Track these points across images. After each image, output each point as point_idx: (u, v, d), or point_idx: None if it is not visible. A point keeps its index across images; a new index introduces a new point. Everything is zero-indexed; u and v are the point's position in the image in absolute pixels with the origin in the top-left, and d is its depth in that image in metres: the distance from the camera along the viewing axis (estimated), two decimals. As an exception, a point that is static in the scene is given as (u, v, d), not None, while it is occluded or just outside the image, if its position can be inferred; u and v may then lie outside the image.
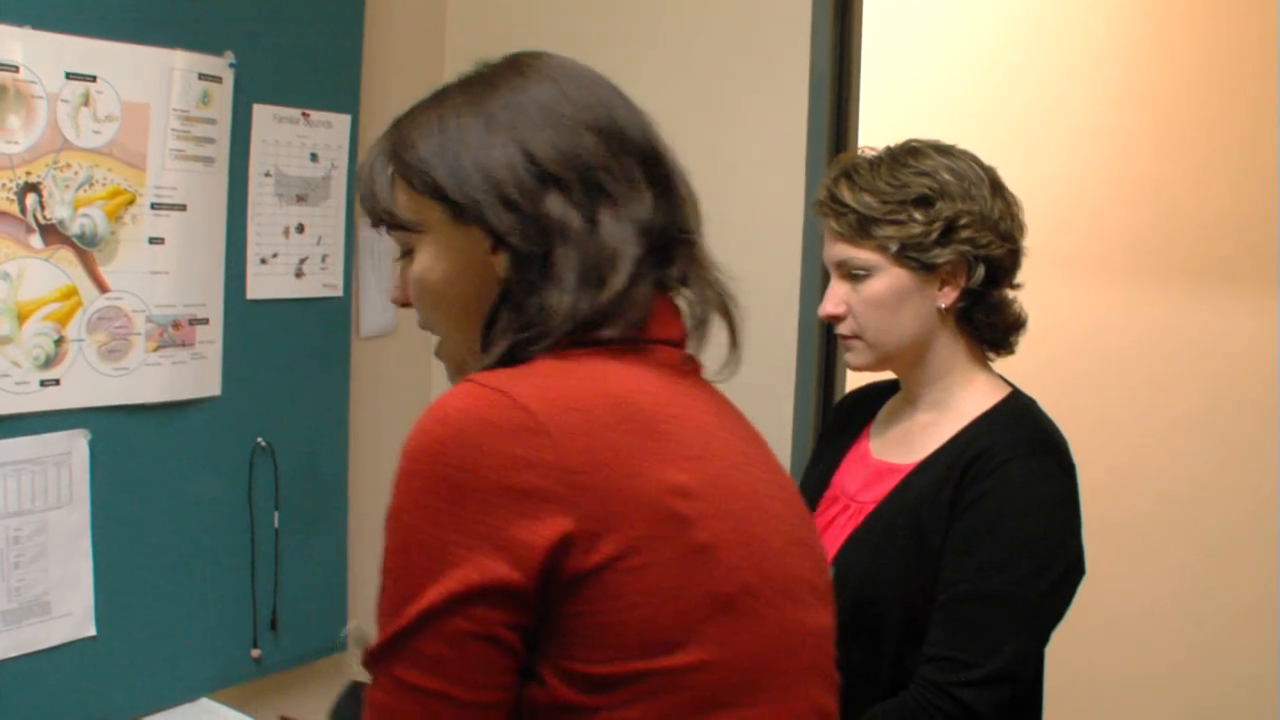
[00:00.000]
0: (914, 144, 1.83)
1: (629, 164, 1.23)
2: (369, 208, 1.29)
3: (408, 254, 1.29)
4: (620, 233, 1.21)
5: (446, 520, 1.06)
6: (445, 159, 1.22)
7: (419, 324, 1.34)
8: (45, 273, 2.14)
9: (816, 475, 1.98)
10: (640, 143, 1.25)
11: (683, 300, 1.28)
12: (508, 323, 1.20)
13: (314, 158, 2.58)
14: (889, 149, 1.84)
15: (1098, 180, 3.60)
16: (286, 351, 2.58)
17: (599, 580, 1.07)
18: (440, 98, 1.27)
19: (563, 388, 1.13)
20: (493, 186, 1.19)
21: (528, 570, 1.06)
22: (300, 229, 2.57)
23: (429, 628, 1.07)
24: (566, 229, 1.19)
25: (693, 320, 1.28)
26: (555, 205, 1.19)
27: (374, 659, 1.11)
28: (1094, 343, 3.58)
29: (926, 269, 1.77)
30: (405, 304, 1.32)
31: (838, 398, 2.48)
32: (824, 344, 2.54)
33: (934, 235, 1.75)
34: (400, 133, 1.27)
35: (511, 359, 1.18)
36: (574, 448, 1.08)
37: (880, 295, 1.79)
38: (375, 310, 2.78)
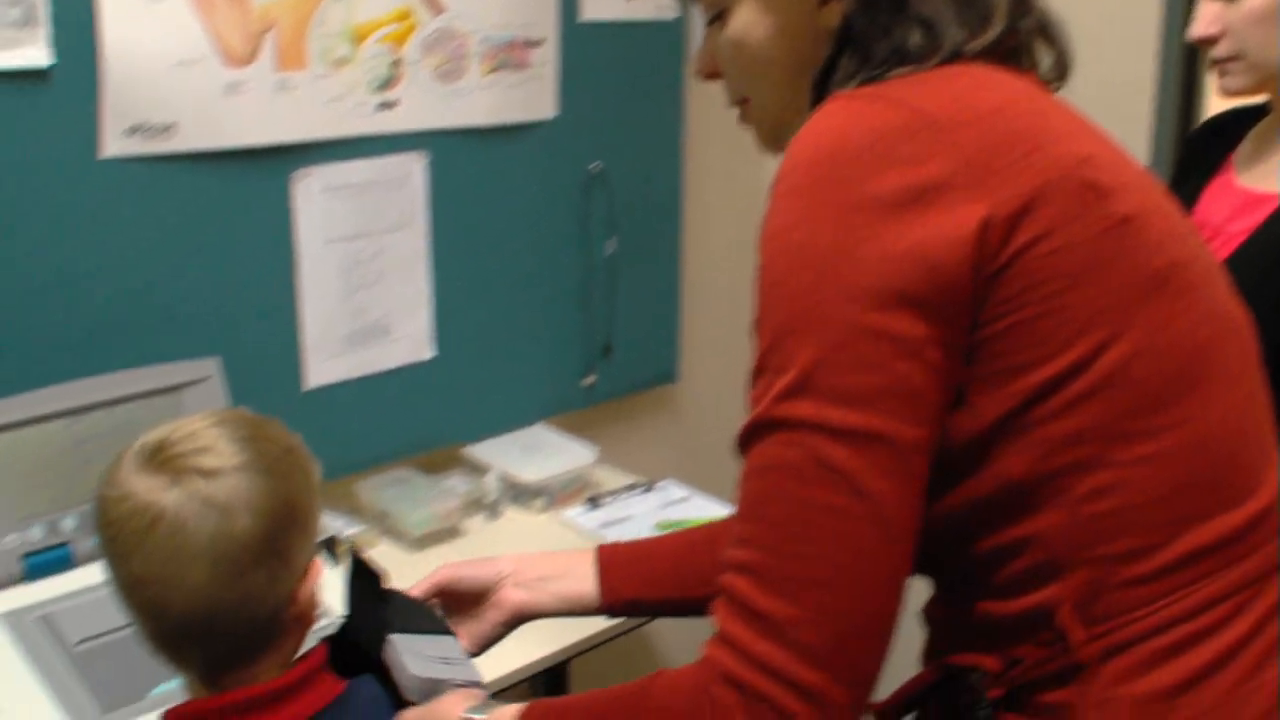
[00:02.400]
0: None
1: None
2: None
3: (717, 18, 1.17)
4: None
5: (846, 232, 0.95)
6: None
7: (730, 99, 1.22)
8: (380, -7, 2.11)
9: None
10: None
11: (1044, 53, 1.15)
12: (852, 69, 1.07)
13: None
14: None
15: None
16: (620, 75, 2.50)
17: (1020, 269, 0.96)
18: None
19: (935, 87, 1.03)
20: None
21: (945, 273, 0.95)
22: (635, -55, 2.46)
23: (841, 357, 0.94)
24: None
25: (1056, 71, 1.15)
26: None
27: (764, 418, 0.97)
28: None
29: None
30: (711, 76, 1.21)
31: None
32: (1184, 72, 2.31)
33: None
34: None
35: None
36: (969, 136, 0.98)
37: (1263, 7, 1.63)
38: (712, 31, 2.66)
